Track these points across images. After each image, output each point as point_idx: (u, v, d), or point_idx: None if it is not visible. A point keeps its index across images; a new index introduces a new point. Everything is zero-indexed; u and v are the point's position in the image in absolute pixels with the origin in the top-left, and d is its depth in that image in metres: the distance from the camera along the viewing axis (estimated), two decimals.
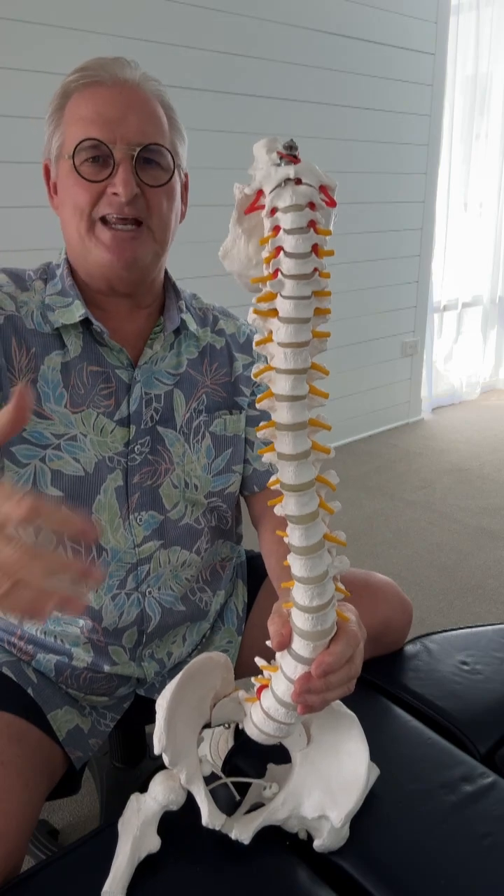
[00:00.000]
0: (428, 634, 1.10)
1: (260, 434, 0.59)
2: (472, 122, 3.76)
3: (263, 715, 0.68)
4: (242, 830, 0.70)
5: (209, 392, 0.96)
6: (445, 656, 1.04)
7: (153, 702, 1.00)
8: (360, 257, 3.25)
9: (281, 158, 0.55)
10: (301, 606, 0.61)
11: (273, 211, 0.53)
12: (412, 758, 0.83)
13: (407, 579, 2.20)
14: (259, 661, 0.69)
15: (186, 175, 0.93)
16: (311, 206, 0.53)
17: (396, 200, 3.34)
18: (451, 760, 0.84)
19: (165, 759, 0.69)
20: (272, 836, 0.73)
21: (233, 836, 0.70)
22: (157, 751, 0.68)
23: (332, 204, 0.55)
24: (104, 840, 0.76)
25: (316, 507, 0.58)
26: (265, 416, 0.98)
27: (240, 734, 0.76)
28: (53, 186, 0.89)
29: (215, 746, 1.24)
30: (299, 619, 0.62)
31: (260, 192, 0.55)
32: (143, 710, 1.01)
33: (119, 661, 0.95)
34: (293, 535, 0.59)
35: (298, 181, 0.54)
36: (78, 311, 0.86)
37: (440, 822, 0.76)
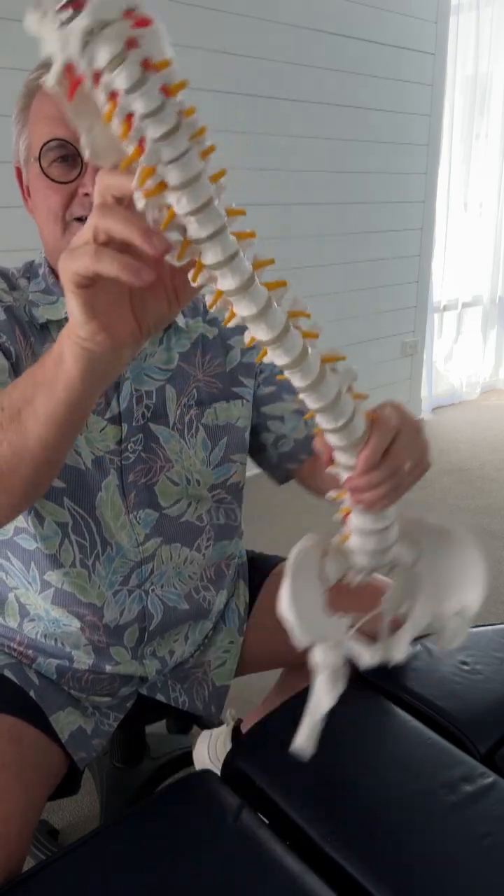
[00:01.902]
0: (428, 635, 1.10)
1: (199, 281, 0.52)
2: (472, 122, 3.76)
3: (359, 536, 0.67)
4: (395, 650, 0.72)
5: (201, 385, 0.95)
6: (445, 656, 1.04)
7: (155, 701, 1.00)
8: (360, 258, 3.25)
9: (64, 12, 0.43)
10: (326, 430, 0.61)
11: (96, 78, 0.43)
12: (412, 758, 0.83)
13: None
14: (329, 495, 0.68)
15: None
16: (131, 43, 0.42)
17: (396, 200, 3.34)
18: (451, 760, 0.84)
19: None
20: (272, 836, 0.73)
21: (391, 657, 0.71)
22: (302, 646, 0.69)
23: (147, 22, 0.44)
24: (104, 840, 0.76)
25: (268, 299, 0.53)
26: (280, 392, 0.99)
27: (237, 735, 0.77)
28: (26, 189, 0.88)
29: (213, 748, 1.25)
30: (331, 438, 0.62)
31: (68, 67, 0.44)
32: (145, 710, 1.01)
33: (121, 661, 0.95)
34: (274, 354, 0.55)
35: (102, 26, 0.42)
36: (63, 308, 0.86)
37: (440, 822, 0.76)
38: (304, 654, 1.09)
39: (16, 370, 0.83)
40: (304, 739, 0.70)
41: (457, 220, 3.85)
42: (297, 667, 1.17)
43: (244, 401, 0.98)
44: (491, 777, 0.82)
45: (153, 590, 0.94)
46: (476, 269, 4.07)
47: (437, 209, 3.57)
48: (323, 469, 0.85)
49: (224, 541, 1.01)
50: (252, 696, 1.55)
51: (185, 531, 0.95)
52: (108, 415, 0.88)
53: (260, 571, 1.11)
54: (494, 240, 4.08)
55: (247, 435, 0.99)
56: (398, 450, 0.64)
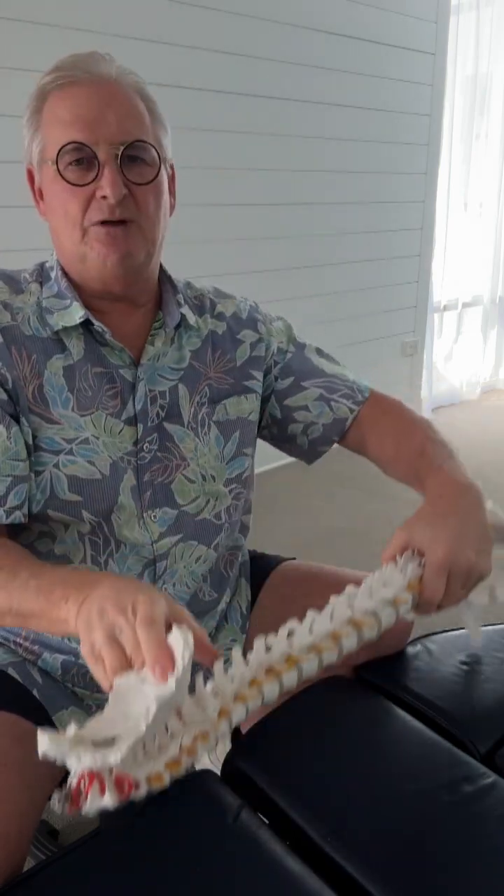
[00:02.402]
0: (428, 635, 1.10)
1: None
2: (472, 122, 3.76)
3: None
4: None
5: (212, 383, 0.96)
6: (446, 657, 1.04)
7: None
8: (360, 257, 3.25)
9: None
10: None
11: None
12: (412, 758, 0.83)
13: None
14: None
15: (172, 166, 0.91)
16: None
17: (396, 200, 3.34)
18: (452, 760, 0.84)
19: None
20: (272, 836, 0.73)
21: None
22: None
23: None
24: (104, 840, 0.76)
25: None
26: (299, 382, 1.02)
27: (237, 735, 0.77)
28: (39, 192, 0.88)
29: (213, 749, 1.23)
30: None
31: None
32: None
33: None
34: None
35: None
36: (77, 313, 0.86)
37: (440, 822, 0.76)
38: None
39: (11, 396, 0.83)
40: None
41: (457, 220, 3.85)
42: None
43: (255, 394, 0.99)
44: (491, 777, 0.81)
45: (165, 588, 0.94)
46: (476, 269, 4.07)
47: (437, 209, 3.57)
48: (382, 436, 1.05)
49: (237, 534, 1.03)
50: None
51: (202, 529, 0.95)
52: (123, 416, 0.89)
53: (261, 570, 1.11)
54: (494, 240, 4.08)
55: (255, 427, 1.01)
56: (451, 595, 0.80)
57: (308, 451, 1.07)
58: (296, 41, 2.73)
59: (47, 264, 0.92)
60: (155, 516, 0.91)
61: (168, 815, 0.76)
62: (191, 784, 0.73)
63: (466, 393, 4.18)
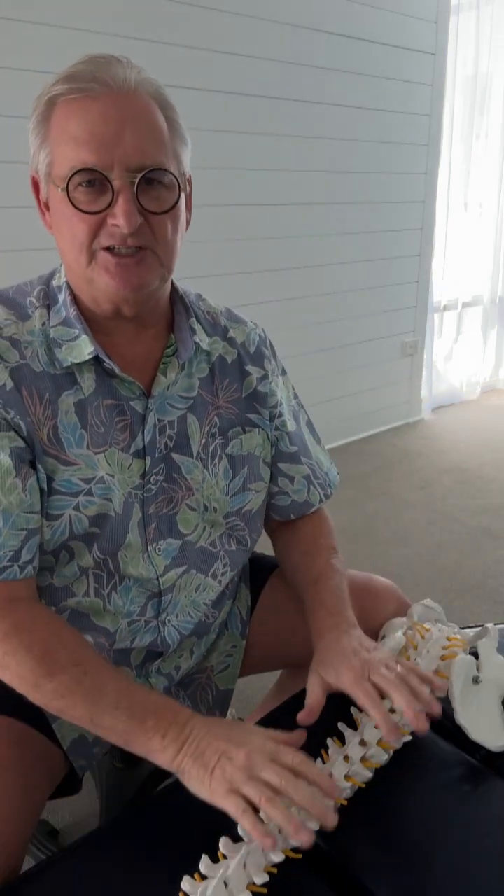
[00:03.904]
0: None
1: None
2: (472, 122, 3.76)
3: None
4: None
5: (221, 413, 0.93)
6: None
7: None
8: (360, 257, 3.25)
9: None
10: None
11: None
12: (412, 758, 0.83)
13: (407, 579, 2.20)
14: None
15: (190, 180, 0.85)
16: None
17: (396, 200, 3.34)
18: (451, 760, 0.84)
19: None
20: None
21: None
22: None
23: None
24: (104, 840, 0.76)
25: None
26: (299, 455, 1.01)
27: None
28: (45, 204, 0.82)
29: None
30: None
31: None
32: None
33: None
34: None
35: None
36: (87, 349, 0.81)
37: (440, 822, 0.76)
38: (304, 654, 1.09)
39: (28, 443, 0.80)
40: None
41: (457, 219, 3.85)
42: (296, 667, 1.17)
43: (259, 429, 0.96)
44: (491, 777, 0.81)
45: (169, 620, 0.93)
46: (476, 269, 4.07)
47: (437, 209, 3.57)
48: (296, 548, 1.03)
49: (238, 567, 1.01)
50: (252, 695, 1.55)
51: (200, 557, 0.94)
52: (132, 450, 0.86)
53: (262, 572, 1.10)
54: (494, 240, 4.08)
55: (263, 464, 0.98)
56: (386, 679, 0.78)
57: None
58: (296, 41, 2.73)
59: (54, 282, 0.86)
60: (159, 549, 0.89)
61: (168, 814, 0.76)
62: None
63: (466, 393, 4.18)
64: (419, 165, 3.38)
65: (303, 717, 0.80)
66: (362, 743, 0.78)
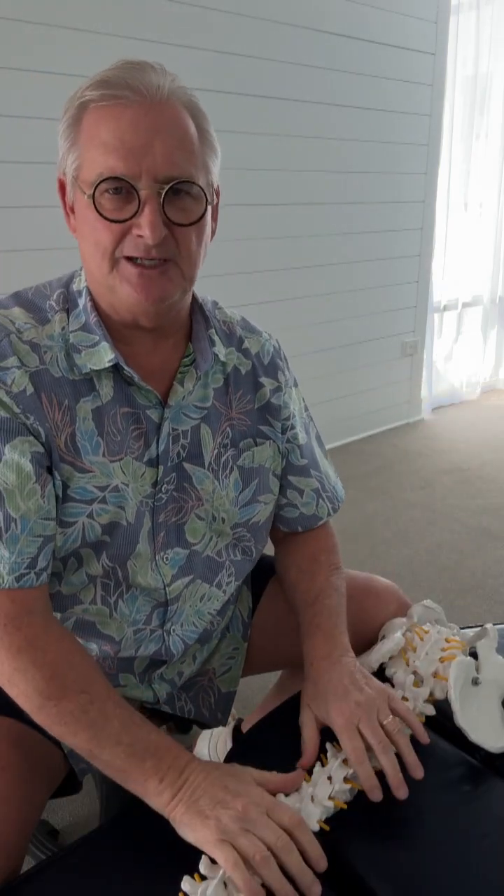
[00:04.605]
0: None
1: None
2: (472, 122, 3.76)
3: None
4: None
5: (234, 424, 0.92)
6: None
7: (160, 711, 1.00)
8: (360, 257, 3.25)
9: None
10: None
11: None
12: None
13: (407, 579, 2.20)
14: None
15: (218, 191, 0.83)
16: None
17: (396, 200, 3.34)
18: (451, 760, 0.84)
19: None
20: None
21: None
22: None
23: None
24: (104, 840, 0.76)
25: None
26: (309, 468, 1.01)
27: (238, 735, 0.77)
28: (70, 207, 0.81)
29: (214, 747, 1.25)
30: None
31: None
32: (148, 717, 1.01)
33: (127, 685, 0.95)
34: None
35: None
36: (107, 356, 0.80)
37: (440, 822, 0.75)
38: (302, 655, 1.09)
39: (45, 448, 0.79)
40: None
41: (457, 220, 3.85)
42: (296, 667, 1.17)
43: (271, 442, 0.96)
44: (491, 777, 0.81)
45: (174, 629, 0.93)
46: (476, 269, 4.07)
47: (437, 209, 3.57)
48: (295, 558, 1.02)
49: (242, 577, 1.01)
50: (252, 695, 1.55)
51: (206, 567, 0.93)
52: (146, 458, 0.85)
53: (263, 574, 1.10)
54: (494, 240, 4.08)
55: (272, 476, 0.97)
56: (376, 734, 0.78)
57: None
58: (296, 41, 2.73)
59: (74, 286, 0.85)
60: (167, 558, 0.89)
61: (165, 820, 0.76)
62: None
63: (466, 393, 4.18)
64: (419, 165, 3.38)
65: (304, 763, 0.80)
66: (345, 763, 0.78)
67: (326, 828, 0.73)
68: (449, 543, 2.46)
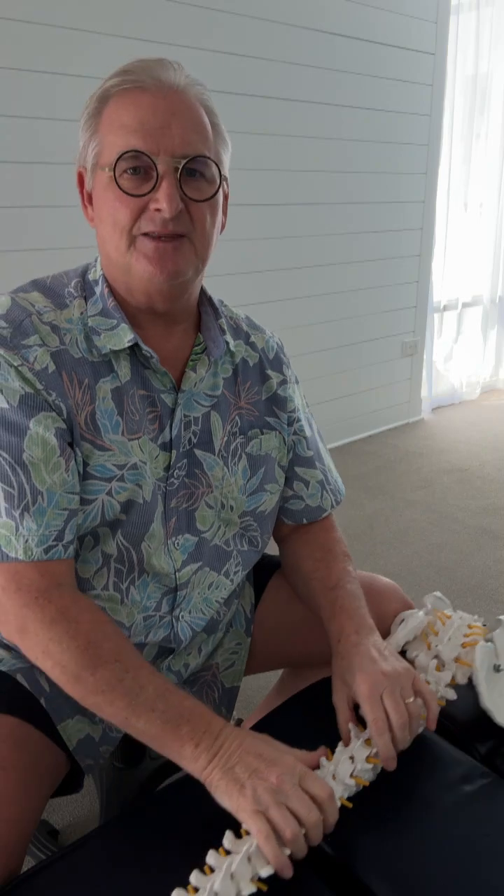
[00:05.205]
0: None
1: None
2: (472, 122, 3.76)
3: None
4: None
5: (242, 413, 0.95)
6: None
7: None
8: (360, 257, 3.25)
9: None
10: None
11: None
12: (412, 758, 0.83)
13: (407, 579, 2.20)
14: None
15: (227, 184, 0.88)
16: None
17: (396, 200, 3.34)
18: (451, 760, 0.84)
19: None
20: None
21: None
22: None
23: None
24: (104, 840, 0.76)
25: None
26: (314, 460, 1.03)
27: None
28: (88, 196, 0.85)
29: None
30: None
31: None
32: None
33: None
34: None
35: None
36: (126, 336, 0.83)
37: (440, 822, 0.76)
38: (306, 653, 1.09)
39: (68, 424, 0.80)
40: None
41: (457, 219, 3.85)
42: (297, 667, 1.17)
43: (277, 432, 0.98)
44: (491, 777, 0.82)
45: (183, 616, 0.94)
46: (476, 269, 4.07)
47: (437, 209, 3.57)
48: (309, 548, 1.03)
49: (249, 567, 1.02)
50: (252, 696, 1.55)
51: (215, 555, 0.95)
52: (160, 441, 0.87)
53: (265, 571, 1.11)
54: (494, 240, 4.08)
55: (278, 466, 0.99)
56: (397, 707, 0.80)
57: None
58: (296, 41, 2.73)
59: (89, 275, 0.88)
60: (178, 543, 0.90)
61: (168, 814, 0.76)
62: (191, 784, 0.73)
63: (466, 393, 4.18)
64: (419, 165, 3.38)
65: (345, 744, 0.81)
66: (367, 743, 0.79)
67: (349, 805, 0.75)
68: (449, 543, 2.46)
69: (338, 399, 3.37)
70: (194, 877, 0.65)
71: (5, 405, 0.78)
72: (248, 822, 0.67)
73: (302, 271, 3.04)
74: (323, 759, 0.78)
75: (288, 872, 0.66)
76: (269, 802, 0.67)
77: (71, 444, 0.81)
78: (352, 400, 3.45)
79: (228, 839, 0.67)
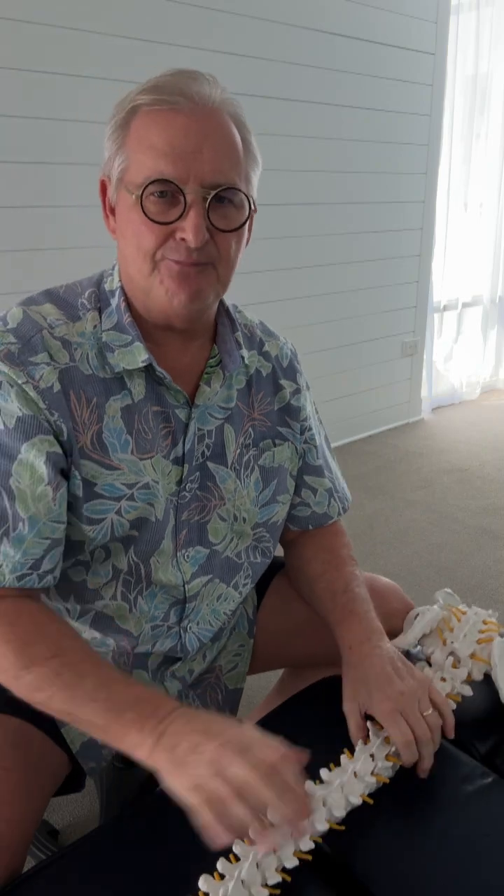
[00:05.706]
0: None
1: None
2: (472, 122, 3.76)
3: None
4: None
5: (255, 424, 0.94)
6: None
7: None
8: (360, 257, 3.25)
9: None
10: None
11: None
12: None
13: (407, 579, 2.20)
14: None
15: (255, 205, 0.84)
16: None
17: (396, 200, 3.34)
18: (451, 760, 0.84)
19: None
20: None
21: None
22: None
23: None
24: (104, 840, 0.76)
25: None
26: (323, 469, 1.03)
27: None
28: (111, 209, 0.83)
29: None
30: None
31: None
32: None
33: (139, 681, 0.95)
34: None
35: None
36: (140, 356, 0.81)
37: (440, 822, 0.76)
38: (308, 654, 1.09)
39: (65, 449, 0.79)
40: None
41: (457, 219, 3.85)
42: (297, 667, 1.17)
43: (289, 443, 0.98)
44: (491, 777, 0.82)
45: (191, 627, 0.94)
46: (476, 269, 4.07)
47: (437, 209, 3.57)
48: (317, 552, 1.03)
49: (257, 578, 1.02)
50: (252, 696, 1.55)
51: (225, 567, 0.94)
52: (172, 456, 0.86)
53: (267, 572, 1.10)
54: (494, 240, 4.08)
55: (290, 477, 0.99)
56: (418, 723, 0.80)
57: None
58: (296, 41, 2.73)
59: (105, 285, 0.86)
60: (188, 555, 0.90)
61: (168, 814, 0.76)
62: None
63: (466, 393, 4.18)
64: (419, 165, 3.38)
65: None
66: (386, 741, 0.80)
67: (370, 801, 0.75)
68: (449, 543, 2.46)
69: (338, 399, 3.37)
70: (204, 883, 0.65)
71: (1, 427, 0.77)
72: (186, 798, 0.65)
73: (302, 271, 3.04)
74: (343, 758, 0.78)
75: (222, 843, 0.63)
76: (205, 774, 0.64)
77: (64, 472, 0.80)
78: (352, 400, 3.45)
79: (222, 864, 0.66)
